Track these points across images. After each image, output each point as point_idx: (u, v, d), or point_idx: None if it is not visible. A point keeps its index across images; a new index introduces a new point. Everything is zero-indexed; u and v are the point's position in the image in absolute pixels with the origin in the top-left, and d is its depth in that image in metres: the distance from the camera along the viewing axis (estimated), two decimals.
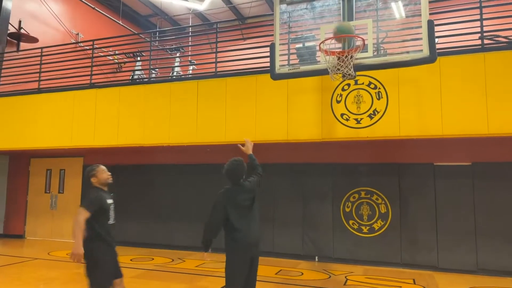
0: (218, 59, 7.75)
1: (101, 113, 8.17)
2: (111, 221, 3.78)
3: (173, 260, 7.55)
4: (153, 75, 9.00)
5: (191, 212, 8.64)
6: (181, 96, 7.57)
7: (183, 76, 8.66)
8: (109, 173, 3.89)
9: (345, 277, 6.32)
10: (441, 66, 5.94)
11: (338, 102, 6.49)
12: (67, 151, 9.25)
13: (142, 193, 9.12)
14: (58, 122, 8.54)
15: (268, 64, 6.73)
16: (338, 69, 4.75)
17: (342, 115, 6.44)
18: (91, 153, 9.54)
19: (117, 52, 10.08)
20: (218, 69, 7.69)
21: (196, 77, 7.84)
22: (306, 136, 6.62)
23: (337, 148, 7.57)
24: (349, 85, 6.45)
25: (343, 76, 4.91)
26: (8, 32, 10.01)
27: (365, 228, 7.32)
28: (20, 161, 10.66)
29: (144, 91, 7.94)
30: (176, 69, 9.64)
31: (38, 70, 9.16)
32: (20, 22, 10.24)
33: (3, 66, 9.76)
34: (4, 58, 9.78)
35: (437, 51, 4.98)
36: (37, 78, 9.11)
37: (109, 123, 8.05)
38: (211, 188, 8.74)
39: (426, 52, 4.69)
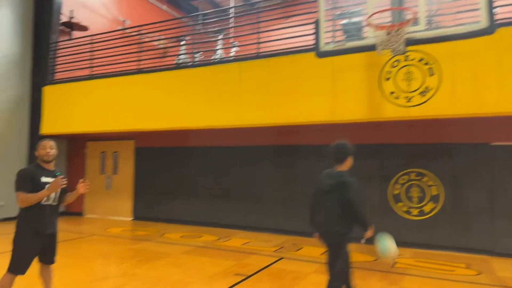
0: (260, 40, 7.68)
1: (150, 97, 8.45)
2: (45, 201, 3.50)
3: (219, 238, 7.78)
4: (197, 59, 9.11)
5: (235, 192, 8.82)
6: (224, 78, 7.63)
7: (225, 59, 8.68)
8: (49, 151, 3.59)
9: (393, 259, 6.17)
10: (500, 38, 5.46)
11: (387, 79, 6.22)
12: (119, 135, 9.73)
13: (189, 174, 9.42)
14: (110, 107, 8.96)
15: (312, 43, 6.60)
16: (388, 45, 4.53)
17: (391, 93, 6.17)
18: (142, 136, 9.95)
19: (162, 37, 10.30)
20: (261, 50, 7.63)
21: (238, 59, 7.83)
22: (351, 116, 6.44)
23: (385, 128, 7.31)
24: (399, 61, 6.14)
25: (393, 51, 4.68)
26: (61, 21, 10.55)
27: (415, 210, 7.07)
28: (77, 144, 11.37)
29: (188, 75, 8.09)
30: (219, 51, 9.70)
31: (89, 57, 9.62)
32: (71, 11, 10.73)
33: (58, 55, 10.34)
34: (58, 47, 10.35)
35: (496, 21, 4.58)
36: (89, 65, 9.58)
37: (157, 107, 8.32)
38: (253, 169, 8.95)
39: (484, 23, 4.34)
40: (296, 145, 8.24)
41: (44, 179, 3.51)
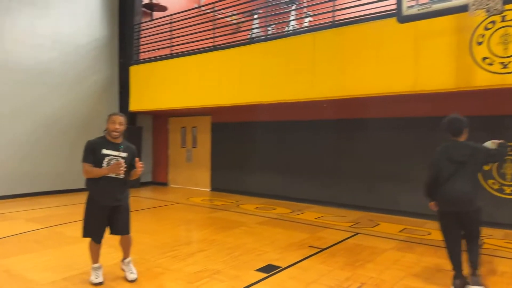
0: (336, 7, 7.35)
1: (224, 73, 8.68)
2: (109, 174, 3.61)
3: (293, 211, 7.90)
4: (269, 32, 9.05)
5: (308, 166, 8.81)
6: (298, 51, 7.49)
7: (298, 30, 8.49)
8: (117, 127, 3.66)
9: (482, 240, 5.72)
10: None
11: (479, 44, 5.59)
12: (197, 110, 10.20)
13: (262, 148, 9.61)
14: (188, 84, 9.40)
15: (392, 7, 6.15)
16: (482, 4, 4.03)
17: (484, 59, 5.55)
18: (218, 112, 10.33)
19: (235, 12, 10.39)
20: (336, 18, 7.31)
21: (312, 29, 7.61)
22: (437, 86, 5.95)
23: (475, 98, 6.63)
24: (494, 22, 5.46)
25: (488, 11, 4.17)
26: (142, 3, 11.19)
27: (508, 188, 6.42)
28: (161, 120, 12.22)
29: (261, 49, 8.10)
30: (292, 23, 9.51)
31: (169, 37, 10.12)
32: None
33: (141, 36, 11.03)
34: (141, 28, 11.02)
35: None
36: (169, 44, 10.09)
37: (231, 82, 8.52)
38: (327, 143, 8.81)
39: None
40: (373, 118, 7.89)
41: (104, 151, 3.59)
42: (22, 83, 9.27)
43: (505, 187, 6.45)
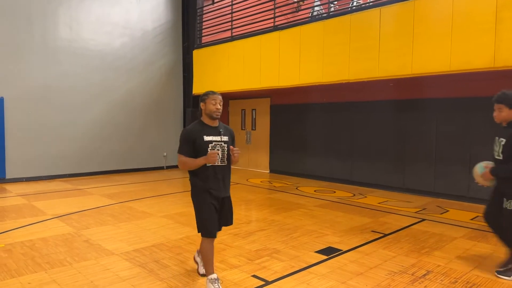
0: None
1: (284, 54, 8.57)
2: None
3: (354, 194, 7.71)
4: (332, 9, 8.72)
5: (370, 150, 8.48)
6: (362, 27, 7.14)
7: (363, 5, 8.07)
8: (219, 107, 3.18)
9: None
10: None
11: None
12: (256, 93, 10.25)
13: (321, 131, 9.42)
14: (248, 66, 9.45)
15: None
16: None
17: None
18: (277, 94, 10.30)
19: None
20: None
21: (378, 4, 7.17)
22: None
23: None
24: None
25: None
26: None
27: None
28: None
29: (323, 27, 7.84)
30: None
31: (230, 19, 10.20)
32: None
33: (203, 19, 11.24)
34: (204, 12, 11.23)
35: None
36: (230, 27, 10.18)
37: (291, 63, 8.40)
38: (389, 126, 8.37)
39: None
40: (444, 98, 7.33)
41: (207, 138, 3.13)
42: (97, 69, 10.00)
43: None
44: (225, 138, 3.22)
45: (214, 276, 3.13)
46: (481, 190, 6.84)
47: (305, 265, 3.83)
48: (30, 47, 8.92)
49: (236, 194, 7.67)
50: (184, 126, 11.71)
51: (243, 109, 11.86)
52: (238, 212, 6.12)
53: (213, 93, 3.22)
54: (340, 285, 3.38)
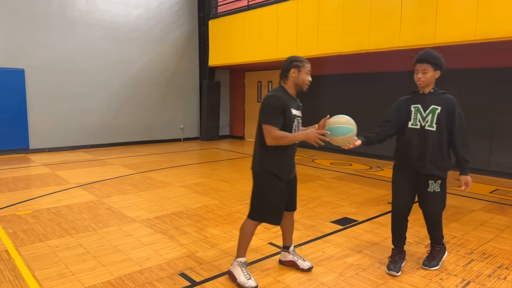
0: None
1: (302, 23, 8.37)
2: None
3: (371, 167, 7.68)
4: None
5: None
6: None
7: None
8: (310, 79, 2.82)
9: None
10: None
11: None
12: (272, 64, 10.11)
13: (340, 102, 9.30)
14: (264, 36, 9.28)
15: None
16: None
17: None
18: None
19: None
20: None
21: None
22: None
23: None
24: None
25: None
26: None
27: None
28: (237, 74, 12.41)
29: None
30: None
31: None
32: None
33: None
34: None
35: None
36: None
37: (309, 33, 8.21)
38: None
39: None
40: (465, 69, 7.10)
41: (294, 112, 2.72)
42: (114, 40, 10.01)
43: None
44: (299, 113, 2.84)
45: (244, 259, 2.86)
46: (504, 163, 6.74)
47: (321, 234, 3.90)
48: (47, 18, 8.96)
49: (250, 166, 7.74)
50: (201, 98, 11.73)
51: (259, 81, 11.76)
52: None
53: (308, 61, 2.80)
54: (356, 253, 3.44)
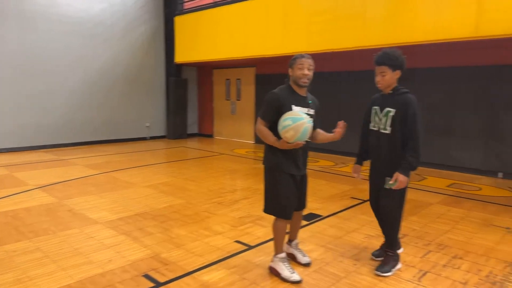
0: None
1: (270, 22, 8.40)
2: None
3: (336, 164, 7.86)
4: None
5: (354, 119, 8.55)
6: None
7: None
8: (307, 72, 2.83)
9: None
10: None
11: None
12: (241, 62, 10.12)
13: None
14: (232, 34, 9.26)
15: None
16: None
17: None
18: (262, 63, 10.18)
19: None
20: None
21: None
22: (502, 30, 5.38)
23: None
24: None
25: None
26: None
27: None
28: (205, 72, 12.31)
29: None
30: None
31: None
32: None
33: None
34: None
35: None
36: None
37: (277, 31, 8.26)
38: (372, 95, 8.39)
39: None
40: (426, 68, 7.39)
41: (296, 108, 2.79)
42: (76, 35, 9.66)
43: None
44: (312, 112, 2.89)
45: (284, 255, 2.97)
46: (460, 158, 7.09)
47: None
48: (4, 12, 8.51)
49: (221, 164, 7.73)
50: (167, 95, 11.55)
51: (228, 79, 11.72)
52: (223, 182, 6.20)
53: (301, 56, 2.85)
54: (320, 248, 3.51)
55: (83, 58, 9.82)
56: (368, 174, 3.24)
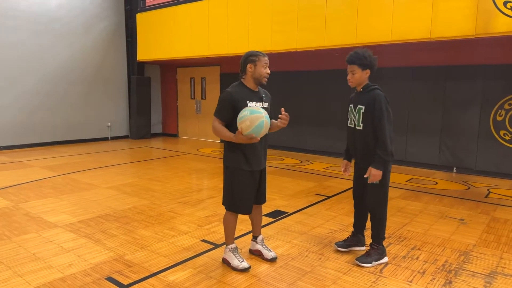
0: None
1: (233, 20, 8.40)
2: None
3: (301, 161, 7.99)
4: None
5: (318, 118, 8.75)
6: None
7: None
8: (269, 71, 2.91)
9: (488, 189, 5.78)
10: None
11: None
12: (205, 60, 10.03)
13: (273, 99, 9.48)
14: (195, 32, 9.16)
15: None
16: None
17: (505, 3, 5.24)
18: (227, 62, 10.14)
19: None
20: None
21: None
22: (455, 32, 5.69)
23: (493, 46, 6.37)
24: None
25: None
26: None
27: None
28: (168, 70, 12.09)
29: None
30: None
31: None
32: None
33: None
34: None
35: None
36: None
37: (240, 30, 8.27)
38: (334, 95, 8.65)
39: None
40: (384, 68, 7.67)
41: (250, 104, 2.82)
42: (31, 31, 9.18)
43: None
44: (266, 105, 2.95)
45: (234, 245, 3.09)
46: (418, 154, 7.42)
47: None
48: None
49: (186, 164, 7.63)
50: (129, 94, 11.25)
51: (192, 77, 11.58)
52: (188, 181, 6.13)
53: (263, 54, 2.88)
54: (286, 244, 3.56)
55: (41, 56, 9.36)
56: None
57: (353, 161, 3.40)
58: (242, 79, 2.94)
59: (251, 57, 2.87)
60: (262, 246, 3.26)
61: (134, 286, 2.74)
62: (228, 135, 2.79)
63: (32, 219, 4.16)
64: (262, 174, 3.07)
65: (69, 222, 4.07)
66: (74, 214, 4.36)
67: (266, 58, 2.90)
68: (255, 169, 2.94)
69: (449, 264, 3.18)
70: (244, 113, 2.65)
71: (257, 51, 2.93)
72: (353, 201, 3.42)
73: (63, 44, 9.78)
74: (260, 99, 2.93)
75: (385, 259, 3.21)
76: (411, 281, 2.87)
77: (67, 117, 10.01)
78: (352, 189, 3.43)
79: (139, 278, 2.86)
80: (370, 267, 3.10)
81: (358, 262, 3.12)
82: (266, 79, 2.92)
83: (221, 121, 2.84)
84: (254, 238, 3.30)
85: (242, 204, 2.96)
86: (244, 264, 2.99)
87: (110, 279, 2.83)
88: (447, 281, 2.88)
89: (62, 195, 5.14)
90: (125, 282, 2.79)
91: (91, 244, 3.49)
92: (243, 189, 2.93)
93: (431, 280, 2.89)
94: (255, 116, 2.62)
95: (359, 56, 3.03)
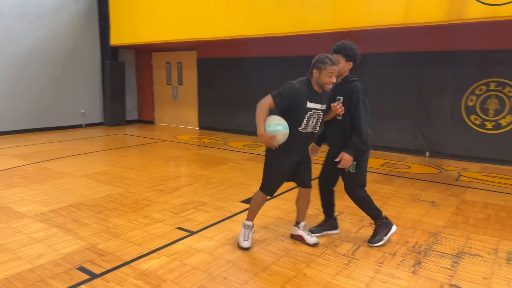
0: None
1: (210, 3, 8.21)
2: (302, 128, 2.99)
3: None
4: None
5: None
6: None
7: None
8: (334, 80, 2.93)
9: (458, 173, 5.97)
10: None
11: None
12: (181, 45, 9.82)
13: (250, 86, 9.42)
14: (171, 15, 8.92)
15: None
16: None
17: None
18: (204, 46, 9.96)
19: None
20: None
21: None
22: (429, 18, 5.75)
23: (465, 32, 6.49)
24: None
25: None
26: None
27: (490, 124, 6.55)
28: (144, 55, 11.78)
29: None
30: None
31: None
32: None
33: None
34: None
35: None
36: None
37: (218, 14, 8.10)
38: None
39: None
40: (362, 54, 7.71)
41: (309, 104, 2.93)
42: None
43: (487, 123, 6.57)
44: (324, 107, 3.03)
45: (252, 223, 3.23)
46: (392, 139, 7.56)
47: (230, 214, 3.97)
48: None
49: (162, 151, 7.53)
50: (103, 80, 10.93)
51: (168, 62, 11.34)
52: (165, 169, 6.05)
53: (332, 63, 2.87)
54: (262, 229, 3.58)
55: (10, 40, 8.93)
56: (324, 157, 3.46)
57: (324, 148, 3.45)
58: (309, 78, 3.01)
59: (318, 64, 2.91)
60: (303, 231, 3.33)
61: (106, 275, 2.70)
62: (260, 125, 2.81)
63: (0, 209, 4.02)
64: (304, 159, 3.22)
65: (40, 212, 3.96)
66: (45, 203, 4.24)
67: (334, 67, 2.89)
68: (292, 157, 3.08)
69: (419, 245, 3.28)
70: (278, 128, 2.81)
71: (327, 58, 2.90)
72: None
73: (34, 27, 9.35)
74: (320, 101, 2.99)
75: (394, 228, 3.35)
76: (382, 263, 2.95)
77: (38, 103, 9.65)
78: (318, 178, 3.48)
79: (112, 267, 2.81)
80: (383, 244, 3.24)
81: (370, 245, 3.24)
82: (329, 87, 2.96)
83: (272, 104, 2.90)
84: (297, 223, 3.38)
85: (270, 184, 3.13)
86: (246, 244, 3.14)
87: (82, 269, 2.78)
88: (417, 262, 2.97)
89: (33, 184, 4.98)
90: (97, 271, 2.75)
91: (62, 234, 3.41)
92: (277, 169, 3.09)
93: (401, 261, 2.97)
94: (286, 133, 2.84)
95: (345, 47, 3.10)
